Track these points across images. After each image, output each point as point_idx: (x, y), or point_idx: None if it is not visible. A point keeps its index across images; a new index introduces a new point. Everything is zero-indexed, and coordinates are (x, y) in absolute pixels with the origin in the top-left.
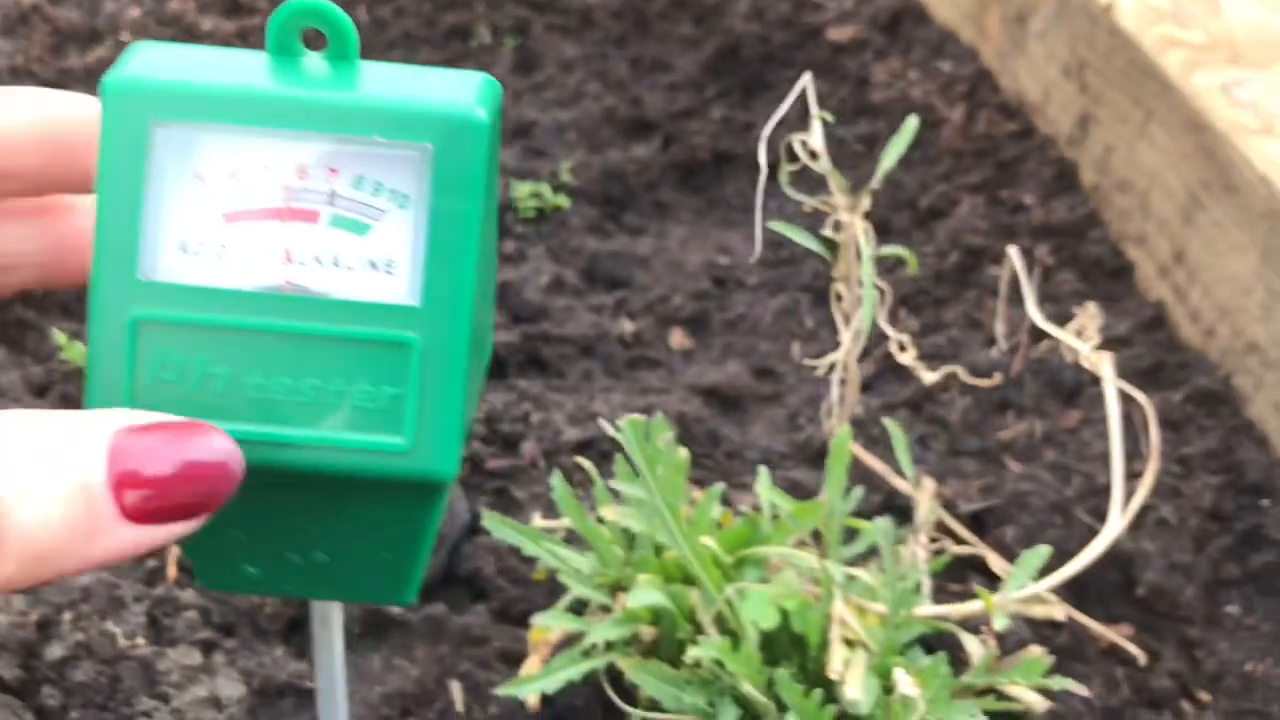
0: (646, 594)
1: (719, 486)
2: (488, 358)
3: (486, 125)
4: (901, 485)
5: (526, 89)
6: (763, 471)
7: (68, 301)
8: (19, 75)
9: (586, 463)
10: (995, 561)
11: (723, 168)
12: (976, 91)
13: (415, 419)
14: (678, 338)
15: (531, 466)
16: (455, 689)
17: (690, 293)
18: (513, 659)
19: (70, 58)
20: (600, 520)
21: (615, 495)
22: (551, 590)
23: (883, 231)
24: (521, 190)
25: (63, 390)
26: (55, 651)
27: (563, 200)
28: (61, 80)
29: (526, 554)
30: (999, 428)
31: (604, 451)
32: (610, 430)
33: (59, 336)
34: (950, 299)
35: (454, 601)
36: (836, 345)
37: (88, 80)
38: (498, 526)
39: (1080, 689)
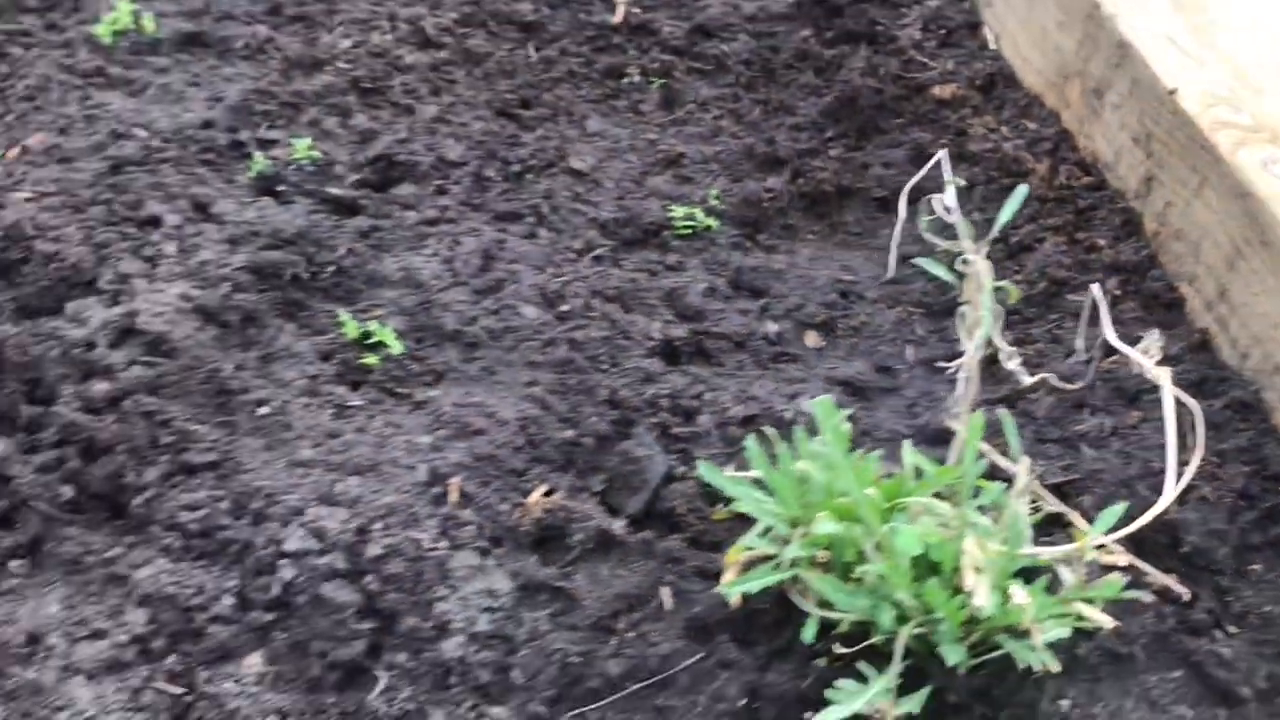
0: (828, 525)
1: (877, 451)
2: None
3: None
4: (1000, 461)
5: (669, 123)
6: (906, 444)
7: (328, 286)
8: (263, 95)
9: (770, 430)
10: (1078, 520)
11: (843, 199)
12: (1059, 149)
13: None
14: (812, 338)
15: (707, 434)
16: (665, 593)
17: (821, 302)
18: (706, 575)
19: (298, 82)
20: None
21: (773, 460)
22: (729, 528)
23: None
24: (678, 211)
25: (343, 356)
26: (373, 550)
27: (712, 222)
28: (296, 101)
29: (711, 498)
30: (1076, 422)
31: (763, 426)
32: (805, 407)
33: (342, 314)
34: (1036, 319)
35: (657, 531)
36: (944, 351)
37: (317, 101)
38: (710, 473)
39: (1147, 596)
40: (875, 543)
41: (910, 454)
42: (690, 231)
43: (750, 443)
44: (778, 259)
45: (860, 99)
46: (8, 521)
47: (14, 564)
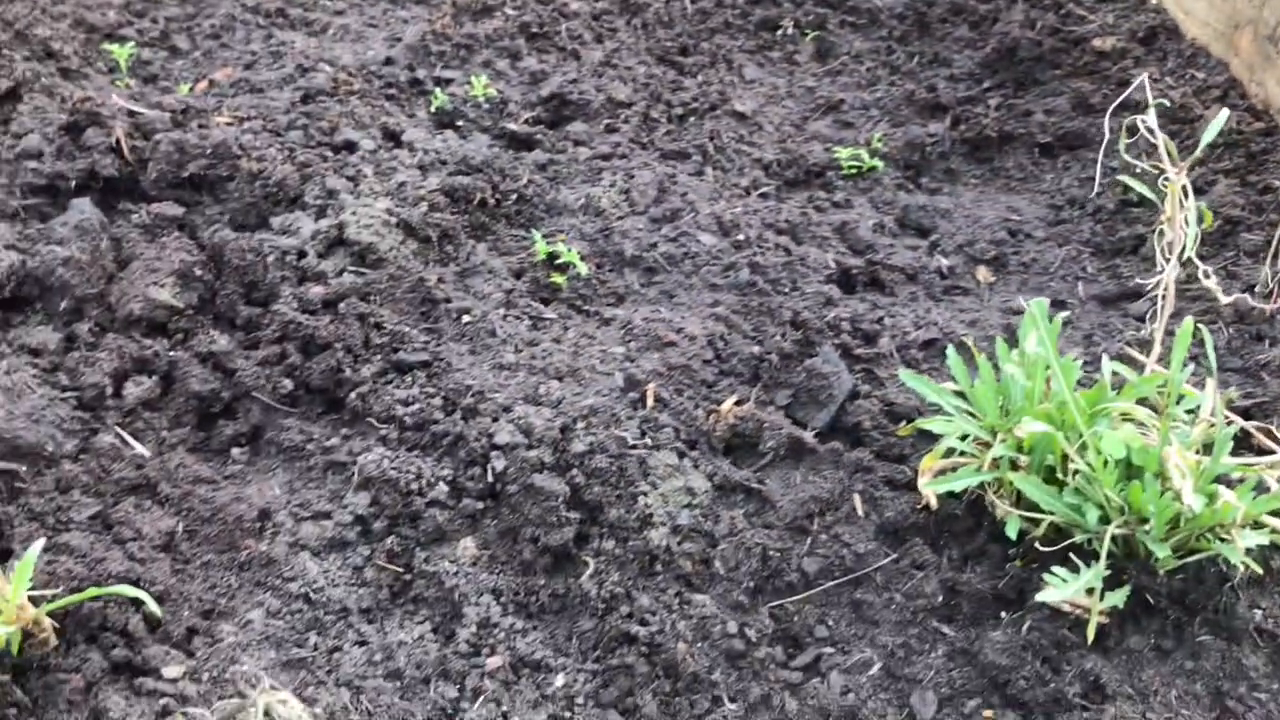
0: (1034, 424)
1: (1079, 359)
2: None
3: None
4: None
5: (825, 73)
6: (1104, 357)
7: (510, 213)
8: (438, 37)
9: (969, 343)
10: (1276, 434)
11: (1004, 145)
12: (1227, 96)
13: None
14: (983, 273)
15: (888, 356)
16: (856, 499)
17: (990, 240)
18: (895, 484)
19: (468, 26)
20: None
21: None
22: (913, 443)
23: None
24: (843, 153)
25: (532, 274)
26: (577, 447)
27: (877, 163)
28: (469, 43)
29: (895, 415)
30: (1257, 353)
31: (943, 350)
32: (1027, 305)
33: (535, 235)
34: (1210, 257)
35: (843, 443)
36: (1116, 288)
37: (489, 45)
38: (913, 380)
39: None
40: (1080, 444)
41: (1110, 364)
42: (855, 171)
43: (951, 353)
44: (942, 199)
45: (1019, 50)
46: (230, 411)
47: (236, 451)
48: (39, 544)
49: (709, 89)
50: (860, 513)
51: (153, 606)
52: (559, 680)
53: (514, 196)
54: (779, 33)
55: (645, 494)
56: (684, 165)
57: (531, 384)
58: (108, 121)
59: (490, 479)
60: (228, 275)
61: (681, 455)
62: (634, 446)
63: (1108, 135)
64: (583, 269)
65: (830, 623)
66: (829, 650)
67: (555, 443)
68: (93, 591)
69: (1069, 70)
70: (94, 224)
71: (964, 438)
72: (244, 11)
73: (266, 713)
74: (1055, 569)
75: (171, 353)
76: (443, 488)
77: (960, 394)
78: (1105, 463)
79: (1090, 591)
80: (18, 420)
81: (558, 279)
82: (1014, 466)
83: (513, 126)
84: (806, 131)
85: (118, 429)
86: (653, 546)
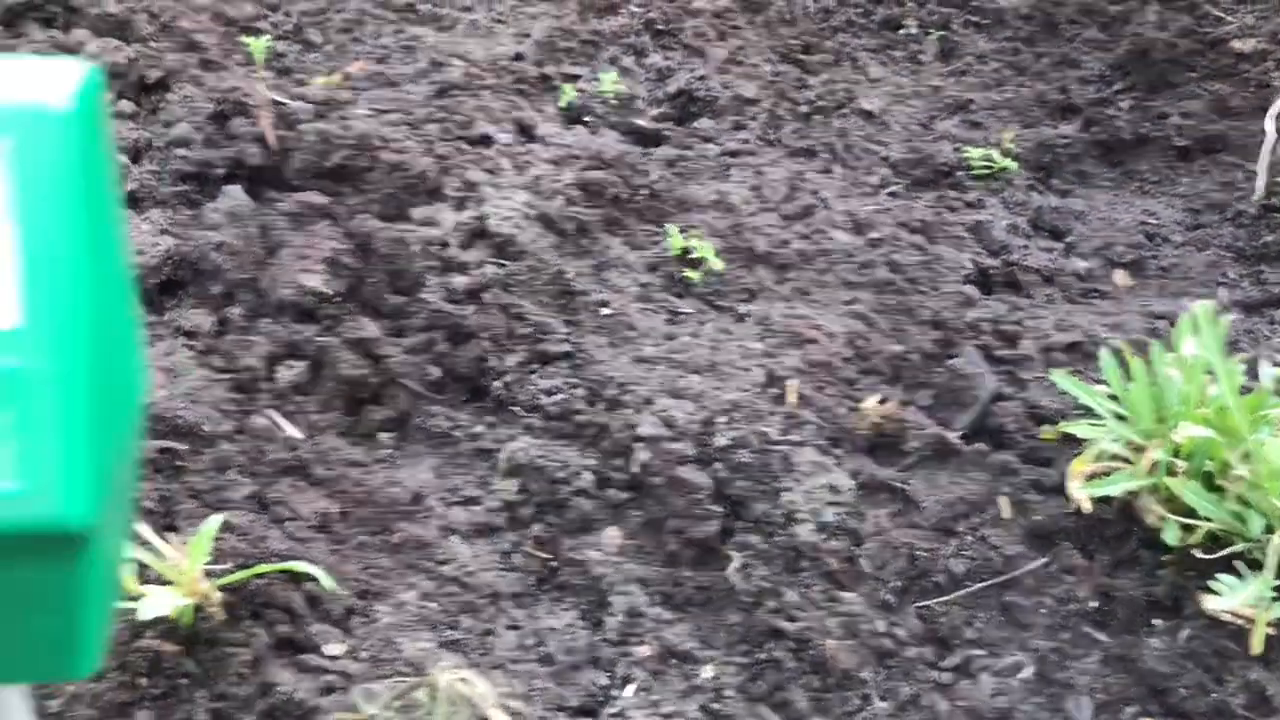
0: (1193, 429)
1: (1241, 364)
2: (138, 398)
3: (70, 118)
4: None
5: (949, 73)
6: (1263, 362)
7: (642, 208)
8: (565, 34)
9: (1119, 345)
10: None
11: (1139, 148)
12: None
13: (29, 459)
14: (1121, 276)
15: (1030, 359)
16: (1003, 502)
17: (1127, 243)
18: (1042, 488)
19: (594, 23)
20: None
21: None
22: (1057, 448)
23: None
24: (974, 153)
25: (666, 269)
26: (720, 441)
27: (1009, 164)
28: (595, 40)
29: (1039, 418)
30: None
31: (1086, 353)
32: (1187, 308)
33: (670, 229)
34: None
35: (987, 445)
36: (1259, 294)
37: (614, 41)
38: (1066, 382)
39: None
40: (1244, 451)
41: (1270, 369)
42: (986, 172)
43: (1105, 355)
44: (1075, 201)
45: (1152, 52)
46: (377, 397)
47: (384, 436)
48: (217, 518)
49: (835, 87)
50: (1007, 515)
51: (326, 582)
52: (707, 672)
53: (645, 191)
54: (902, 32)
55: (789, 490)
56: (812, 163)
57: (672, 377)
58: (253, 111)
59: (635, 470)
60: (374, 264)
61: (824, 452)
62: (777, 442)
63: (1270, 137)
64: (716, 264)
65: (979, 625)
66: (978, 652)
67: (698, 436)
68: (263, 568)
69: (1206, 73)
70: (245, 210)
71: (1116, 441)
72: (374, 7)
73: (446, 691)
74: (1221, 577)
75: (320, 338)
76: (588, 477)
77: (1112, 397)
78: (1270, 470)
79: (1256, 602)
80: (177, 400)
81: (691, 274)
82: (1170, 472)
83: (641, 123)
84: (934, 131)
85: (271, 411)
86: (798, 543)
